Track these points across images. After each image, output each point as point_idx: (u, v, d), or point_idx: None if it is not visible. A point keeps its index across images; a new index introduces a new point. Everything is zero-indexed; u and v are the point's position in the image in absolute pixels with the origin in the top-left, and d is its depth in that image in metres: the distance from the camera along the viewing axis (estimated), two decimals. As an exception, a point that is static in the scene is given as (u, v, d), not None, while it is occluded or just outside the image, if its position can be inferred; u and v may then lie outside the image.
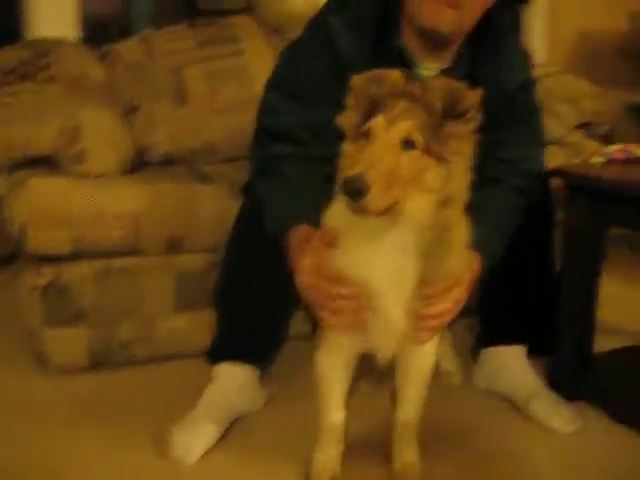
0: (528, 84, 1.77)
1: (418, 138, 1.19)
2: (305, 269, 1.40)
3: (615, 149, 1.84)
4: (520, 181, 1.72)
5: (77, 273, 1.96)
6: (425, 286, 1.31)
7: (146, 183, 2.02)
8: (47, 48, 2.38)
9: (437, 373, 1.94)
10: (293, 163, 1.63)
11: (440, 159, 1.21)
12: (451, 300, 1.37)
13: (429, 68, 1.67)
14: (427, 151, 1.20)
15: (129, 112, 2.40)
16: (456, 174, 1.24)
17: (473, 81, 1.64)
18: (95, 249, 1.95)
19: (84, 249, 1.94)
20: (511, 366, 1.89)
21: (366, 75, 1.29)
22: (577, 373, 1.83)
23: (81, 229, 1.91)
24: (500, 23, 1.69)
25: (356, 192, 1.12)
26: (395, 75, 1.28)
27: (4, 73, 2.26)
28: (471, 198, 1.61)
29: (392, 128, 1.19)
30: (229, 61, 2.50)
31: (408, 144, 1.19)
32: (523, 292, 1.87)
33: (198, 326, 2.08)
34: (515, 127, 1.73)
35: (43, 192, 1.90)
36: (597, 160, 1.83)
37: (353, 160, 1.20)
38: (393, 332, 1.37)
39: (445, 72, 1.66)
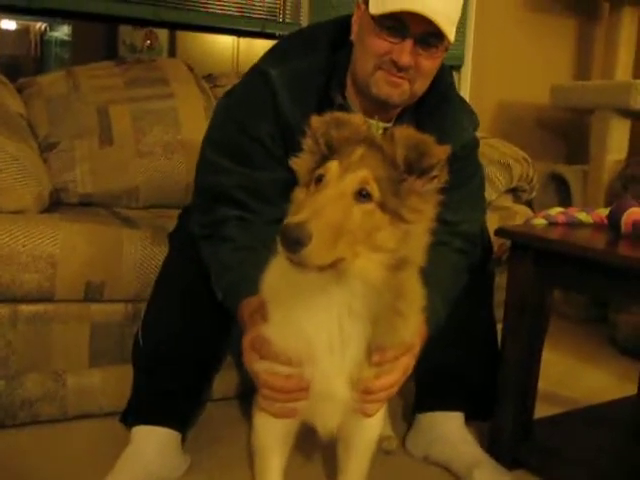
0: (472, 145, 1.74)
1: (374, 190, 1.07)
2: (245, 343, 1.29)
3: (557, 212, 1.83)
4: (462, 243, 1.67)
5: (-21, 319, 1.75)
6: (375, 354, 1.20)
7: (66, 223, 1.84)
8: (-40, 74, 2.20)
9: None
10: (238, 226, 1.53)
11: (396, 217, 1.09)
12: (401, 368, 1.29)
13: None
14: (382, 206, 1.08)
15: (46, 148, 2.23)
16: (414, 235, 1.12)
17: None
18: (3, 293, 1.75)
19: (-9, 293, 1.74)
20: (450, 434, 1.80)
21: (326, 116, 1.18)
22: (518, 440, 1.77)
23: (-11, 270, 1.72)
24: (443, 83, 1.67)
25: (295, 242, 0.97)
26: (357, 119, 1.18)
27: None
28: None
29: (346, 176, 1.07)
30: (157, 103, 2.39)
31: (362, 195, 1.07)
32: (462, 356, 1.81)
33: (113, 383, 1.90)
34: (458, 188, 1.68)
35: (-53, 227, 1.70)
36: (539, 222, 1.81)
37: (298, 207, 1.09)
38: (336, 405, 1.25)
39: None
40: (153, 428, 1.64)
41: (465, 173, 1.70)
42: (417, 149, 1.10)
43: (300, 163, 1.19)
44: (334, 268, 1.05)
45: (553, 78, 3.47)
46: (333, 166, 1.09)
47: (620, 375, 2.50)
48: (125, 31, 5.49)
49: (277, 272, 1.18)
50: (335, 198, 1.04)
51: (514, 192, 2.56)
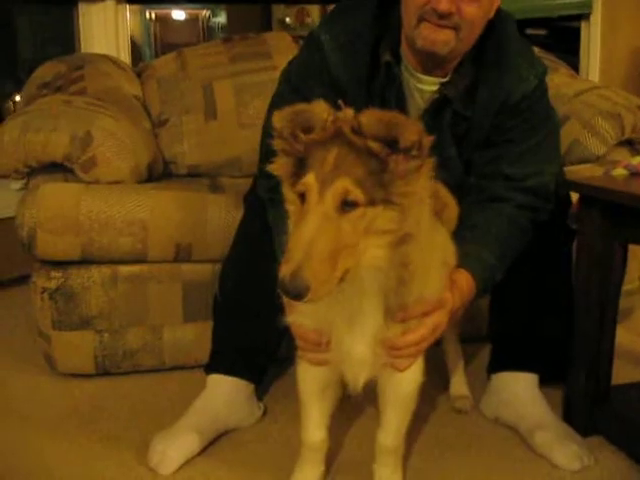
0: (536, 95, 1.63)
1: (358, 196, 1.05)
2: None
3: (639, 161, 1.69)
4: (526, 199, 1.61)
5: (85, 278, 1.97)
6: (399, 312, 1.24)
7: (156, 191, 2.02)
8: (83, 61, 2.46)
9: (447, 397, 1.87)
10: None
11: (388, 204, 1.08)
12: (430, 325, 1.31)
13: (428, 82, 1.61)
14: (371, 203, 1.06)
15: (158, 125, 2.44)
16: (411, 210, 1.10)
17: (475, 92, 1.59)
18: (103, 255, 1.96)
19: (92, 255, 1.95)
20: (520, 394, 1.75)
21: (286, 112, 1.12)
22: (592, 405, 1.68)
23: (89, 235, 1.93)
24: (502, 32, 1.61)
25: (296, 295, 1.01)
26: (319, 109, 1.11)
27: (40, 86, 2.35)
28: (469, 216, 1.56)
29: (326, 191, 1.05)
30: (259, 76, 2.51)
31: (348, 205, 1.05)
32: (537, 316, 1.75)
33: (206, 337, 2.02)
34: (520, 141, 1.62)
35: (53, 197, 1.93)
36: (620, 173, 1.68)
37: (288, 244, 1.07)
38: (360, 367, 1.32)
39: (445, 85, 1.60)
40: (225, 377, 1.76)
41: (528, 125, 1.64)
42: (389, 134, 1.06)
43: (278, 168, 1.17)
44: (343, 280, 1.08)
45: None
46: (310, 181, 1.07)
47: None
48: (278, 10, 5.72)
49: None
50: (320, 223, 1.03)
51: (631, 144, 2.36)
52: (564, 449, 1.59)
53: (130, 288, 2.01)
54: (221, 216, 2.01)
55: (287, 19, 5.78)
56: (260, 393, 1.86)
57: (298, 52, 1.73)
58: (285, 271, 1.01)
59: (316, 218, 1.04)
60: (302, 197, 1.09)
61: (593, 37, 3.17)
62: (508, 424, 1.75)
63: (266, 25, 5.67)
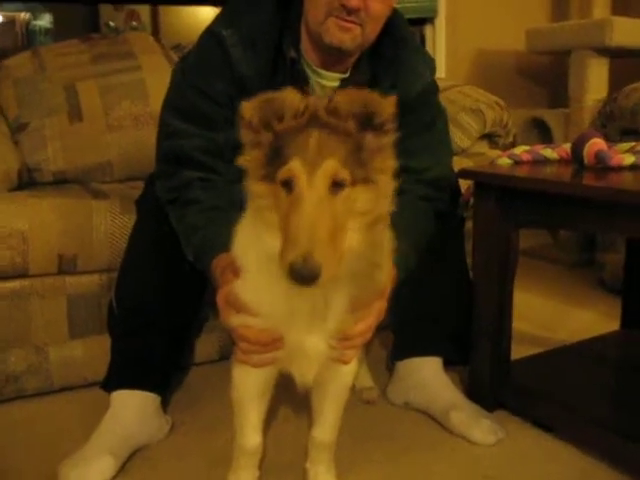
0: (430, 90, 1.73)
1: (345, 175, 1.03)
2: (219, 300, 1.31)
3: (522, 150, 1.82)
4: (427, 190, 1.67)
5: (-44, 299, 1.78)
6: (351, 302, 1.22)
7: (34, 199, 1.86)
8: None
9: (352, 389, 1.89)
10: (203, 188, 1.55)
11: (367, 182, 1.07)
12: (375, 313, 1.31)
13: (330, 78, 1.63)
14: (354, 182, 1.05)
15: (17, 130, 2.25)
16: (383, 190, 1.11)
17: (374, 88, 1.62)
18: (-23, 272, 1.77)
19: (-35, 272, 1.76)
20: (427, 379, 1.81)
21: (255, 101, 1.08)
22: (496, 382, 1.78)
23: (-40, 250, 1.73)
24: (397, 30, 1.66)
25: (309, 279, 0.97)
26: (291, 96, 1.08)
27: None
28: None
29: (315, 174, 1.01)
30: (125, 76, 2.39)
31: (337, 185, 1.03)
32: (436, 302, 1.82)
33: (95, 353, 1.92)
34: (418, 135, 1.68)
35: None
36: (504, 162, 1.80)
37: (286, 229, 1.02)
38: (313, 361, 1.28)
39: (346, 81, 1.62)
40: (131, 392, 1.66)
41: (426, 119, 1.70)
42: (365, 110, 1.06)
43: (249, 160, 1.11)
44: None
45: (531, 22, 3.41)
46: (297, 166, 1.03)
47: (606, 313, 2.49)
48: (106, 13, 5.49)
49: (249, 239, 1.19)
50: (316, 205, 1.01)
51: (489, 138, 2.55)
52: (479, 426, 1.67)
53: (9, 306, 1.83)
54: (107, 223, 1.89)
55: (111, 23, 5.57)
56: (164, 405, 1.78)
57: (194, 49, 1.67)
58: (295, 257, 0.97)
59: (312, 201, 1.01)
60: (286, 185, 1.04)
61: (438, 40, 3.37)
62: (419, 408, 1.81)
63: (94, 28, 5.43)
